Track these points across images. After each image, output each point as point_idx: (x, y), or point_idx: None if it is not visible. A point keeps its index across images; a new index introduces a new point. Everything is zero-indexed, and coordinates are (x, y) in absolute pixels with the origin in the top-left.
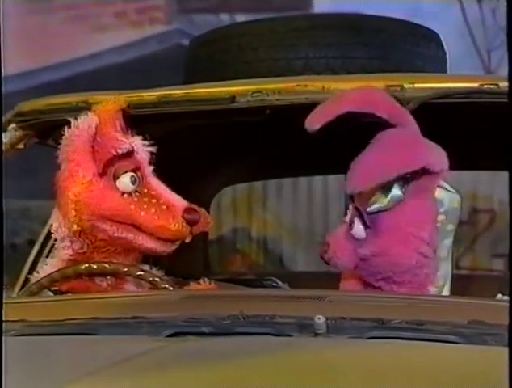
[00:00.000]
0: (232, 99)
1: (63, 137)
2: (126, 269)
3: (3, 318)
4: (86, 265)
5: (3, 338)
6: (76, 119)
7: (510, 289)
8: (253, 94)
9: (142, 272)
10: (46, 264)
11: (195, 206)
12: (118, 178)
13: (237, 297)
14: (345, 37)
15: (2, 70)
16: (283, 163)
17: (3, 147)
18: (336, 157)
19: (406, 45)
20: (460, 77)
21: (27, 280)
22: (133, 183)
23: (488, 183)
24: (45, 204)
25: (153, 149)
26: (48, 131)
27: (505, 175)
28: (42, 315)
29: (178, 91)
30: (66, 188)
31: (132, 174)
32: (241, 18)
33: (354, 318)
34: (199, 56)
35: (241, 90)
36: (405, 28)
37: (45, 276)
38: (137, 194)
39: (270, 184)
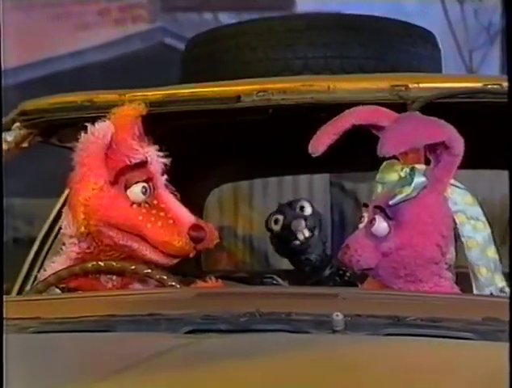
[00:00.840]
0: (238, 98)
1: (78, 141)
2: (133, 267)
3: (3, 318)
4: (94, 263)
5: (3, 337)
6: (93, 124)
7: (510, 289)
8: (259, 94)
9: (149, 270)
10: (53, 262)
11: (202, 223)
12: (129, 187)
13: (251, 295)
14: (343, 37)
15: (2, 70)
16: (284, 162)
17: (7, 146)
18: (338, 156)
19: (403, 45)
20: (464, 77)
21: (26, 277)
22: (144, 193)
23: (471, 182)
24: (29, 202)
25: (166, 160)
26: (51, 130)
27: (489, 174)
28: (57, 313)
29: (184, 90)
30: (77, 191)
31: (144, 184)
32: (224, 17)
33: (370, 315)
34: (196, 55)
35: (247, 89)
36: (402, 28)
37: (53, 274)
38: (146, 205)
39: (256, 183)
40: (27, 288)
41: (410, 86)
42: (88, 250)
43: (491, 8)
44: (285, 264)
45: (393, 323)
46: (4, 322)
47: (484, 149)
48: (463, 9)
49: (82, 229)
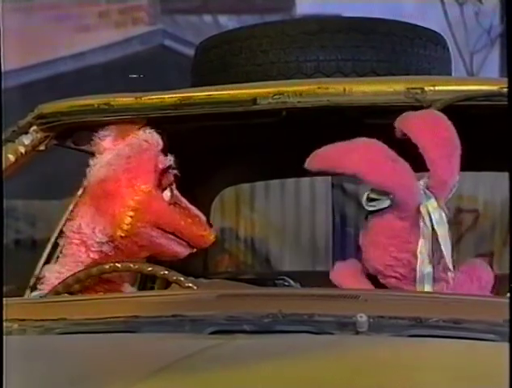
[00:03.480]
0: (254, 101)
1: (123, 147)
2: (150, 268)
3: (3, 319)
4: (111, 264)
5: (4, 337)
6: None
7: (510, 289)
8: (275, 97)
9: (166, 272)
10: (60, 271)
11: None
12: (164, 189)
13: (272, 296)
14: (354, 40)
15: (2, 69)
16: (296, 164)
17: (24, 149)
18: None
19: (414, 48)
20: (480, 80)
21: (38, 279)
22: (171, 195)
23: (473, 184)
24: (32, 203)
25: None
26: (68, 133)
27: (488, 175)
28: (82, 314)
29: (200, 93)
30: (124, 195)
31: (172, 186)
32: (223, 19)
33: (393, 317)
34: (208, 58)
35: (263, 92)
36: (413, 31)
37: (70, 276)
38: (176, 205)
39: (258, 185)
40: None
41: (426, 88)
42: (110, 254)
43: (491, 10)
44: (287, 266)
45: (416, 325)
46: (4, 324)
47: (500, 152)
48: (463, 11)
49: (119, 232)
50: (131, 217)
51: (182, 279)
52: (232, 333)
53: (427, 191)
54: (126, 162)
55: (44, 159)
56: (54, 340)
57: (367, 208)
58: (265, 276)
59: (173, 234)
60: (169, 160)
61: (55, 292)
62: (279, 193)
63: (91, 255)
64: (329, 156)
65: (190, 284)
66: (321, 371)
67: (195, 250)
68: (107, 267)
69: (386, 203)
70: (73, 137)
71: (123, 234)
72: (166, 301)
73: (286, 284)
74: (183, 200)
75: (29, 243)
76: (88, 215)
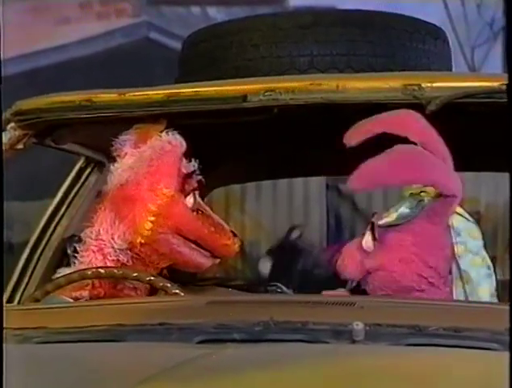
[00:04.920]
0: (244, 97)
1: (145, 149)
2: (135, 274)
3: (3, 319)
4: (94, 270)
5: (3, 337)
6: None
7: (510, 291)
8: (266, 93)
9: (152, 278)
10: None
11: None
12: (187, 195)
13: (264, 303)
14: (350, 34)
15: (2, 69)
16: (288, 163)
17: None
18: (343, 159)
19: (412, 42)
20: (481, 75)
21: (17, 284)
22: (194, 201)
23: (475, 185)
24: (9, 204)
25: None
26: (48, 131)
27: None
28: (63, 322)
29: (188, 90)
30: (145, 199)
31: (195, 192)
32: (212, 11)
33: (390, 325)
34: (196, 53)
35: (253, 88)
36: (411, 25)
37: (49, 281)
38: (200, 212)
39: (249, 186)
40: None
41: (424, 85)
42: (128, 263)
43: (494, 2)
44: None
45: (415, 333)
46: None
47: (501, 151)
48: (465, 3)
49: (139, 239)
50: (152, 222)
51: (168, 285)
52: (222, 342)
53: None
54: (148, 165)
55: (22, 158)
56: (32, 350)
57: (396, 222)
58: (256, 281)
59: (195, 242)
60: (193, 165)
61: (33, 298)
62: (270, 194)
63: (108, 264)
64: (374, 177)
65: (178, 291)
66: (315, 382)
67: (218, 260)
68: (90, 272)
69: (419, 210)
70: (54, 135)
71: (143, 241)
72: (152, 309)
73: (278, 290)
74: (207, 207)
75: (6, 247)
76: (107, 221)
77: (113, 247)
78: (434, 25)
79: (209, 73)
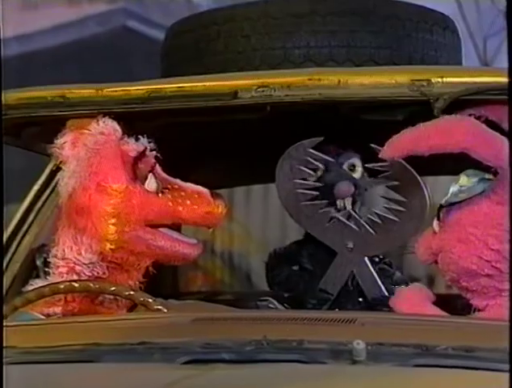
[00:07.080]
0: (234, 94)
1: (79, 149)
2: (113, 288)
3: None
4: (67, 283)
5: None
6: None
7: (510, 293)
8: (258, 89)
9: (132, 292)
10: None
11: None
12: (145, 179)
13: (255, 320)
14: (350, 24)
15: (2, 68)
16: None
17: None
18: None
19: (419, 33)
20: (494, 70)
21: None
22: (156, 182)
23: None
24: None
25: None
26: (15, 130)
27: None
28: (33, 341)
29: (171, 85)
30: (98, 204)
31: (154, 172)
32: None
33: (394, 344)
34: (181, 44)
35: (245, 84)
36: (418, 14)
37: (18, 295)
38: (166, 191)
39: (237, 191)
40: None
41: (433, 80)
42: (104, 276)
43: None
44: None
45: (421, 353)
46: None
47: None
48: None
49: (108, 246)
50: (114, 224)
51: (150, 300)
52: (209, 363)
53: None
54: (88, 166)
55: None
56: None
57: (454, 199)
58: (246, 296)
59: (173, 226)
60: (141, 143)
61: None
62: (261, 200)
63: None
64: (401, 145)
65: (160, 307)
66: None
67: (201, 248)
68: (62, 286)
69: (480, 187)
70: (22, 134)
71: (112, 247)
72: (132, 326)
73: (271, 305)
74: (175, 180)
75: None
76: (70, 238)
77: (84, 264)
78: (443, 14)
79: (195, 67)
